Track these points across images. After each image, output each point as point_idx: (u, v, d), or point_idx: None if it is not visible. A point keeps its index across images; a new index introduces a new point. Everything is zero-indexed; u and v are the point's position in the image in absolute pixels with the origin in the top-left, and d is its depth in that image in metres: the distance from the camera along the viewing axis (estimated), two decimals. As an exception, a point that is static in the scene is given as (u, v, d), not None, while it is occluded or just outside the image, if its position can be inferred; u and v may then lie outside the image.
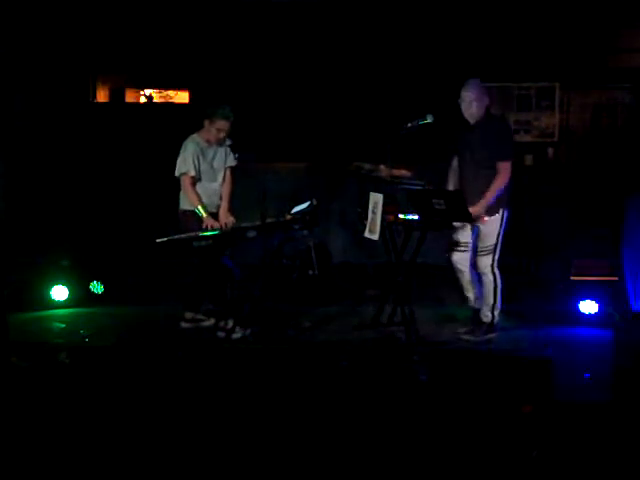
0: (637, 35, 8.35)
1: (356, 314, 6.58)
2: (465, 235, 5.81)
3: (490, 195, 5.55)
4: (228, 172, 6.17)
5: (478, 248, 5.77)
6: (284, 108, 8.44)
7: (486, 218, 5.57)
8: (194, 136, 6.07)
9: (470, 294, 5.94)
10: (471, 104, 5.65)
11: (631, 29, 8.34)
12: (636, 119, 8.47)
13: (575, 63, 8.40)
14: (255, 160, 7.11)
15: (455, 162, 5.93)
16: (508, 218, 5.73)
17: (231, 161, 6.16)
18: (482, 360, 4.21)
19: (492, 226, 5.68)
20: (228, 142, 6.04)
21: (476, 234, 5.79)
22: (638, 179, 7.18)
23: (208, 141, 6.06)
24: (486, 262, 5.74)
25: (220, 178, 6.13)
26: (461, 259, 5.85)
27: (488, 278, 5.77)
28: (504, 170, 5.60)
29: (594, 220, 7.69)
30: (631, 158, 8.12)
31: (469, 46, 8.26)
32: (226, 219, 6.05)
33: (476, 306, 5.93)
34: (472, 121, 5.70)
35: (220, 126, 5.95)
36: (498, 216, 5.65)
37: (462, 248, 5.84)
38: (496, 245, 5.71)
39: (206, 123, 6.01)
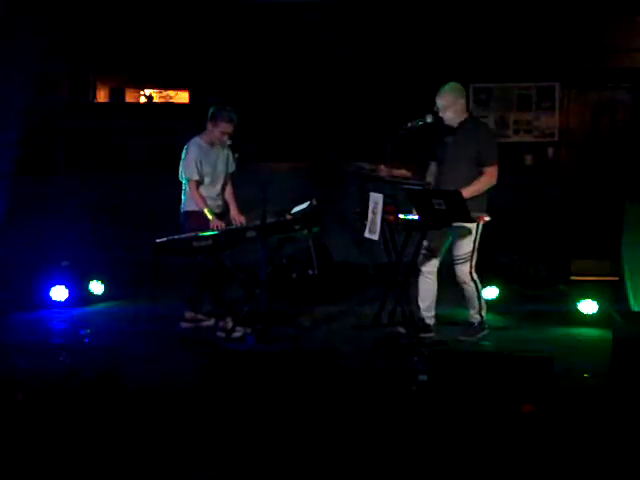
0: (637, 35, 8.36)
1: (356, 314, 6.58)
2: (437, 240, 5.79)
3: (470, 189, 5.50)
4: (229, 177, 6.21)
5: (454, 257, 5.74)
6: (284, 108, 8.45)
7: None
8: (196, 139, 6.04)
9: (424, 303, 5.88)
10: (445, 110, 5.67)
11: (631, 29, 8.35)
12: (636, 119, 8.47)
13: (575, 63, 8.41)
14: (255, 160, 7.12)
15: (433, 167, 5.92)
16: (484, 225, 5.67)
17: (233, 167, 6.19)
18: (482, 360, 4.21)
19: (468, 233, 5.63)
20: (228, 142, 6.04)
21: (451, 242, 5.76)
22: (638, 179, 7.18)
23: (211, 143, 6.05)
24: (464, 270, 5.69)
25: (222, 181, 6.13)
26: (429, 265, 5.83)
27: (469, 286, 5.75)
28: (490, 173, 5.61)
29: (594, 220, 7.70)
30: (631, 158, 8.12)
31: (469, 46, 8.27)
32: (239, 218, 6.10)
33: (427, 315, 5.87)
34: (454, 124, 5.71)
35: (224, 129, 5.94)
36: (473, 224, 5.58)
37: (431, 253, 5.82)
38: (473, 251, 5.66)
39: (209, 125, 5.99)
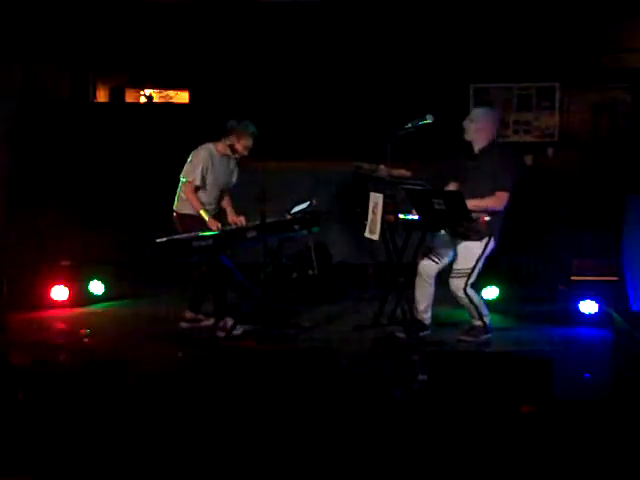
0: (637, 35, 8.35)
1: (356, 314, 6.58)
2: (445, 247, 5.81)
3: (475, 203, 5.47)
4: (229, 189, 6.24)
5: (453, 269, 5.73)
6: (284, 108, 8.44)
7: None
8: (209, 146, 6.04)
9: (422, 305, 5.90)
10: (471, 123, 5.69)
11: (631, 29, 8.35)
12: (636, 119, 8.47)
13: (575, 63, 8.41)
14: (255, 159, 7.13)
15: (452, 187, 5.90)
16: (493, 249, 5.66)
17: (235, 181, 6.22)
18: (482, 360, 4.21)
19: (473, 251, 5.62)
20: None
21: (455, 255, 5.76)
22: (638, 179, 7.18)
23: (224, 154, 6.05)
24: (458, 284, 5.67)
25: (218, 191, 6.13)
26: (430, 269, 5.84)
27: (462, 300, 5.74)
28: (499, 197, 5.58)
29: (594, 220, 7.69)
30: (631, 158, 8.12)
31: (469, 46, 8.27)
32: (238, 219, 6.12)
33: (425, 317, 5.91)
34: (476, 149, 5.71)
35: (248, 144, 5.98)
36: (482, 243, 5.58)
37: (436, 258, 5.82)
38: (472, 270, 5.61)
39: (232, 137, 5.98)
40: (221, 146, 6.05)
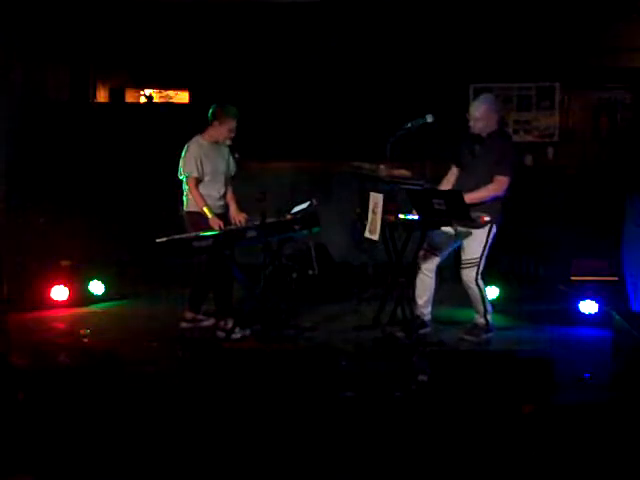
0: (637, 35, 8.35)
1: (356, 314, 6.58)
2: (444, 240, 5.82)
3: (474, 196, 5.51)
4: (230, 178, 6.23)
5: (462, 260, 5.78)
6: (284, 108, 8.44)
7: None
8: (197, 138, 6.06)
9: (422, 299, 5.94)
10: (477, 121, 5.68)
11: (631, 29, 8.34)
12: (636, 119, 8.47)
13: (575, 63, 8.41)
14: (255, 160, 7.14)
15: (454, 170, 5.93)
16: (495, 234, 5.70)
17: (233, 169, 6.22)
18: (482, 360, 4.21)
19: (477, 239, 5.66)
20: (228, 142, 6.07)
21: (460, 245, 5.80)
22: (638, 179, 7.17)
23: (214, 141, 6.07)
24: (470, 275, 5.73)
25: (223, 181, 6.14)
26: (430, 262, 5.87)
27: (473, 291, 5.78)
28: (498, 183, 5.61)
29: (594, 220, 7.70)
30: (631, 158, 8.12)
31: (469, 46, 8.27)
32: (238, 216, 6.12)
33: (424, 312, 5.94)
34: (483, 134, 5.72)
35: (232, 126, 6.00)
36: (485, 230, 5.62)
37: (437, 254, 5.86)
38: (480, 258, 5.68)
39: (215, 124, 6.01)
40: (207, 135, 6.07)
